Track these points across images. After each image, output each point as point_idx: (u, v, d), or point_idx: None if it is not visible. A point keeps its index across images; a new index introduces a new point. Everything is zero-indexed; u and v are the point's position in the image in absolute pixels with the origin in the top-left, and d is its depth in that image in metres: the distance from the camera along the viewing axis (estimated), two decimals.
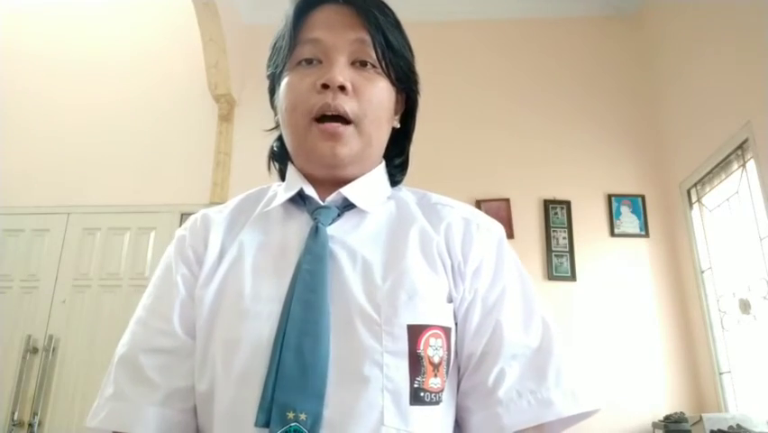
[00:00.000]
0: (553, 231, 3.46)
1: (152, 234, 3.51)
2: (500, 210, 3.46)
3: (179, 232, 0.81)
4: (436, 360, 0.67)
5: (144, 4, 4.03)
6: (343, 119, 0.74)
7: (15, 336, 3.32)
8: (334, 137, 0.74)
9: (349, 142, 0.75)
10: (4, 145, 3.70)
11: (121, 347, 0.74)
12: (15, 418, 3.15)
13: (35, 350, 3.29)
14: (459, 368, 0.73)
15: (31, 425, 3.15)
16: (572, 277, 3.37)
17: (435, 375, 0.67)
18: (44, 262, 3.49)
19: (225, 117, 3.73)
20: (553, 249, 3.42)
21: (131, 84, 3.85)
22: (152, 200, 3.56)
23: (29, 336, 3.31)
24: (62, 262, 3.48)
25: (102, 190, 3.61)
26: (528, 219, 3.48)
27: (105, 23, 4.04)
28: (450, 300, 0.72)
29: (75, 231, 3.55)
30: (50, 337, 3.30)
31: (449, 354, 0.69)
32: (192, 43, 3.66)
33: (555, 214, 3.49)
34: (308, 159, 0.78)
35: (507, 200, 3.50)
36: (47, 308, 3.39)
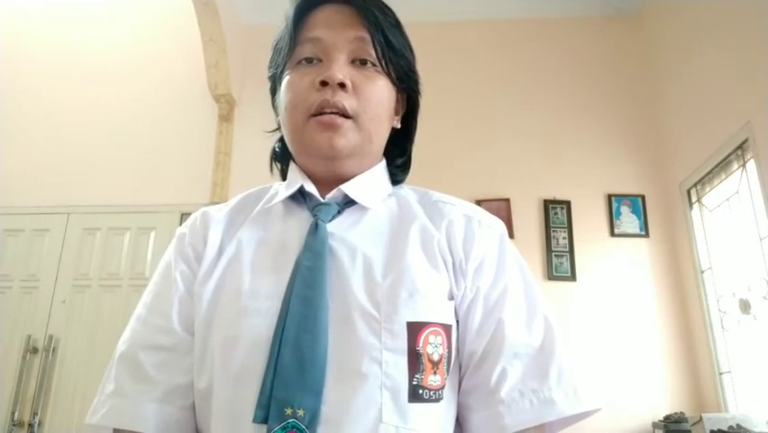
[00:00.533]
0: (553, 231, 3.46)
1: (152, 234, 3.51)
2: (500, 210, 3.46)
3: (180, 230, 0.82)
4: (436, 357, 0.67)
5: (144, 5, 4.03)
6: (342, 114, 0.74)
7: (15, 336, 3.32)
8: (332, 128, 0.74)
9: (346, 134, 0.75)
10: (4, 145, 3.70)
11: (121, 344, 0.74)
12: (15, 418, 3.15)
13: (35, 350, 3.30)
14: (460, 366, 0.72)
15: (31, 425, 3.15)
16: (572, 277, 3.37)
17: (435, 373, 0.67)
18: (44, 262, 3.49)
19: (225, 117, 3.73)
20: (553, 249, 3.42)
21: (131, 84, 3.85)
22: (152, 200, 3.56)
23: (29, 336, 3.31)
24: (62, 262, 3.49)
25: (102, 190, 3.62)
26: (528, 219, 3.48)
27: (105, 23, 4.04)
28: (451, 298, 0.72)
29: (75, 231, 3.55)
30: (50, 337, 3.31)
31: (449, 352, 0.69)
32: (192, 43, 3.66)
33: (555, 214, 3.49)
34: (307, 153, 0.78)
35: (507, 200, 3.50)
36: (47, 308, 3.39)
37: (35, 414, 3.17)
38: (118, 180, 3.64)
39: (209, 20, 3.56)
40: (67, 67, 3.92)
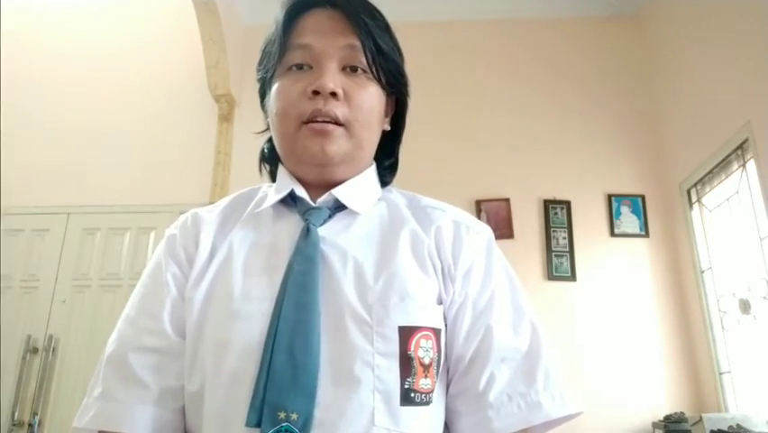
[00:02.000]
0: (553, 231, 3.45)
1: (152, 234, 3.51)
2: (500, 210, 3.46)
3: (169, 231, 0.81)
4: (426, 361, 0.67)
5: (144, 5, 4.03)
6: (334, 122, 0.74)
7: (15, 336, 3.31)
8: (323, 134, 0.74)
9: (337, 141, 0.75)
10: (4, 145, 3.70)
11: (109, 346, 0.73)
12: (15, 418, 3.15)
13: (35, 350, 3.30)
14: (448, 370, 0.73)
15: (31, 425, 3.15)
16: (572, 277, 3.36)
17: (426, 376, 0.67)
18: (44, 262, 3.49)
19: (225, 117, 3.73)
20: (553, 249, 3.41)
21: (130, 84, 3.85)
22: (152, 200, 3.55)
23: (29, 336, 3.31)
24: (62, 262, 3.48)
25: (102, 190, 3.61)
26: (528, 219, 3.48)
27: (105, 23, 4.04)
28: (440, 302, 0.73)
29: (75, 231, 3.55)
30: (50, 337, 3.30)
31: (439, 355, 0.70)
32: (192, 44, 3.66)
33: (555, 214, 3.49)
34: (299, 160, 0.78)
35: (507, 200, 3.49)
36: (47, 308, 3.39)
37: (35, 414, 3.16)
38: (118, 180, 3.64)
39: (209, 20, 3.56)
40: (67, 67, 3.92)
